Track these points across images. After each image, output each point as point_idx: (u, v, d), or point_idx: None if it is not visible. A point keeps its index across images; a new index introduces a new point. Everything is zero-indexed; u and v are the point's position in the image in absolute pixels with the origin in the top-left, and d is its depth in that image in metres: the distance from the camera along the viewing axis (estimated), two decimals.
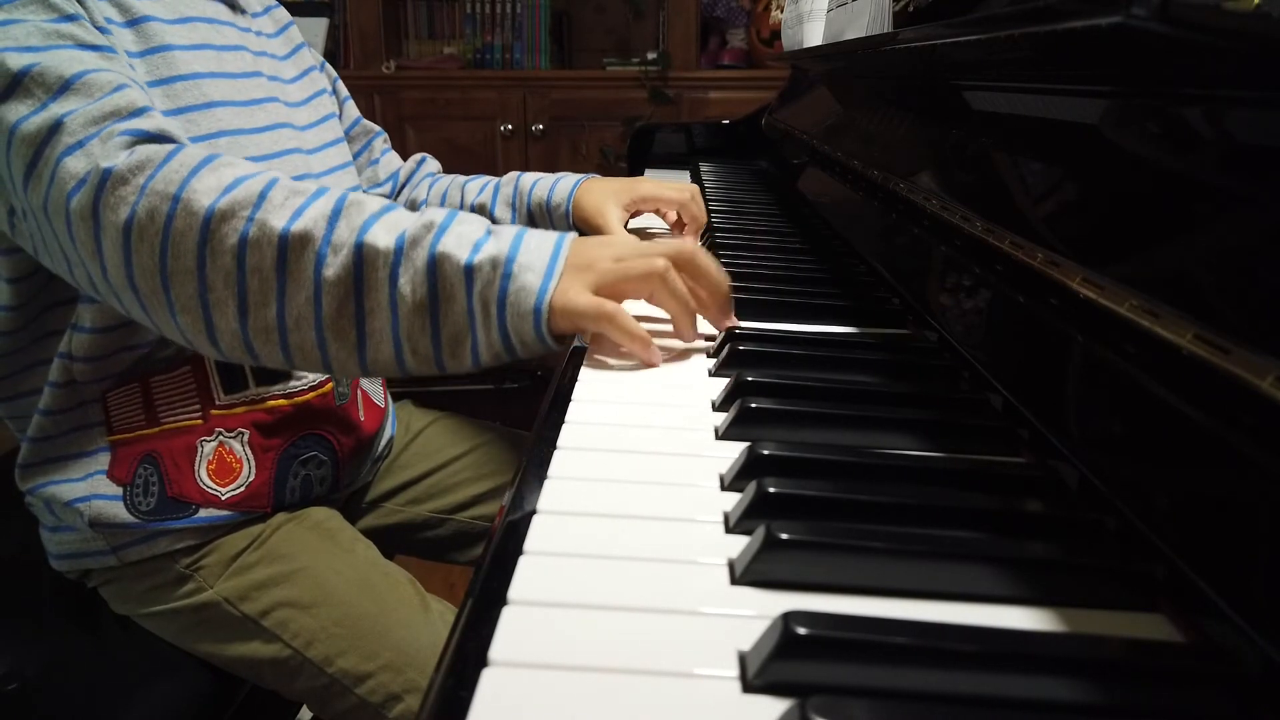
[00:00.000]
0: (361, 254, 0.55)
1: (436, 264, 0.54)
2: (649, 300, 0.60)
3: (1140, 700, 0.30)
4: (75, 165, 0.56)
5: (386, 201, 0.59)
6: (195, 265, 0.55)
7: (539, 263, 0.55)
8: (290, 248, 0.55)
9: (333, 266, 0.55)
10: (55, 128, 0.57)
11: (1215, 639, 0.32)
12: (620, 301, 0.57)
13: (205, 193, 0.55)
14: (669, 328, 0.62)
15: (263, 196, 0.56)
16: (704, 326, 0.65)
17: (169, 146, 0.58)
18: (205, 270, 0.55)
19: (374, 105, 2.51)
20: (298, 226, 0.55)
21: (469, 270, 0.54)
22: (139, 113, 0.59)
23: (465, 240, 0.55)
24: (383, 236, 0.55)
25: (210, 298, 0.56)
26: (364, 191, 0.94)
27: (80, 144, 0.57)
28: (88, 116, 0.57)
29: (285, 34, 0.90)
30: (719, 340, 0.63)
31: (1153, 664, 0.31)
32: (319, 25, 2.59)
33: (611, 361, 0.60)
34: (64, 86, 0.58)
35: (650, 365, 0.59)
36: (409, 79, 2.59)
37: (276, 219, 0.55)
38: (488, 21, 2.71)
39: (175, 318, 0.57)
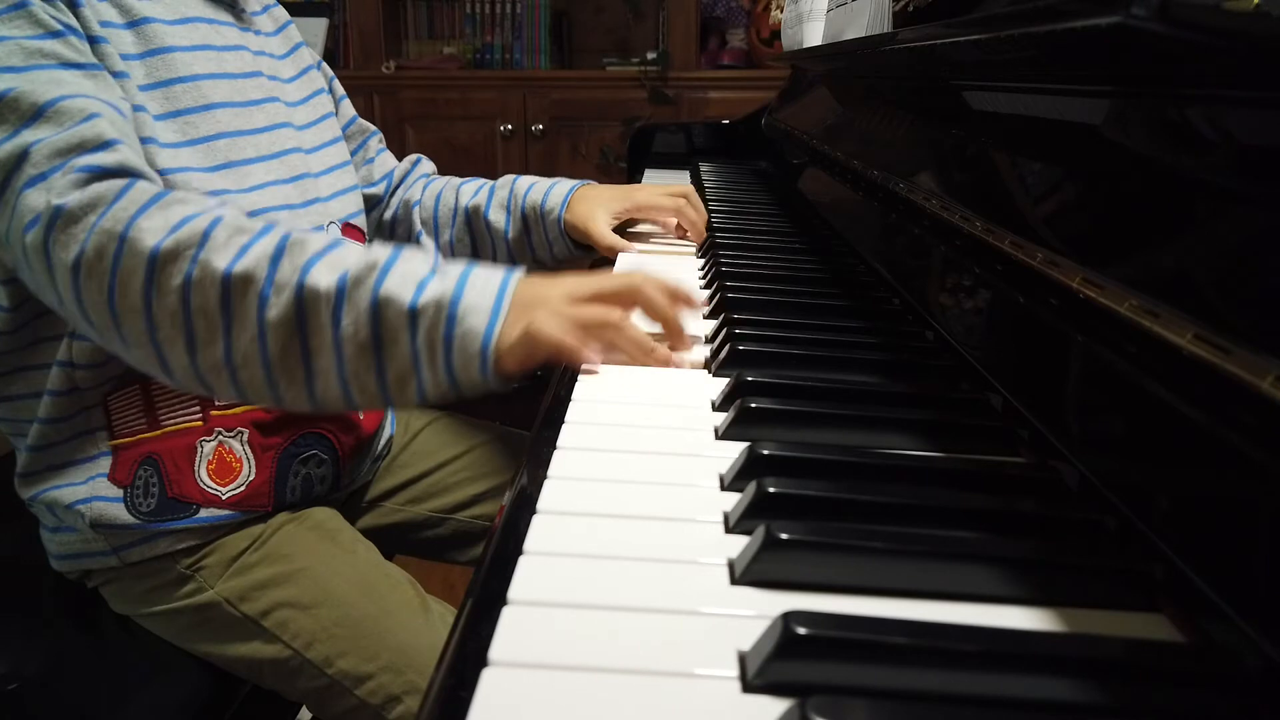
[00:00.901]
0: (303, 295, 0.55)
1: (379, 307, 0.54)
2: (605, 349, 0.58)
3: (1140, 700, 0.30)
4: (34, 200, 0.57)
5: (332, 237, 0.59)
6: (142, 305, 0.56)
7: (484, 303, 0.54)
8: (234, 289, 0.55)
9: (275, 308, 0.55)
10: (22, 157, 0.57)
11: (1215, 639, 0.32)
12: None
13: (151, 232, 0.55)
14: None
15: (206, 236, 0.56)
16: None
17: (122, 182, 0.58)
18: (152, 309, 0.56)
19: (373, 105, 2.51)
20: (239, 268, 0.55)
21: (413, 313, 0.54)
22: (104, 146, 0.59)
23: (410, 279, 0.55)
24: (325, 277, 0.55)
25: (159, 335, 0.56)
26: (359, 190, 0.94)
27: (42, 176, 0.57)
28: (53, 148, 0.57)
29: (284, 33, 0.90)
30: (718, 338, 0.63)
31: (1153, 664, 0.31)
32: (319, 25, 2.59)
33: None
34: (37, 113, 0.58)
35: (591, 372, 0.57)
36: (409, 79, 2.59)
37: (220, 259, 0.55)
38: (487, 21, 2.71)
39: (129, 350, 0.58)
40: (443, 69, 2.62)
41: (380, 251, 0.57)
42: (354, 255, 0.56)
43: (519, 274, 0.57)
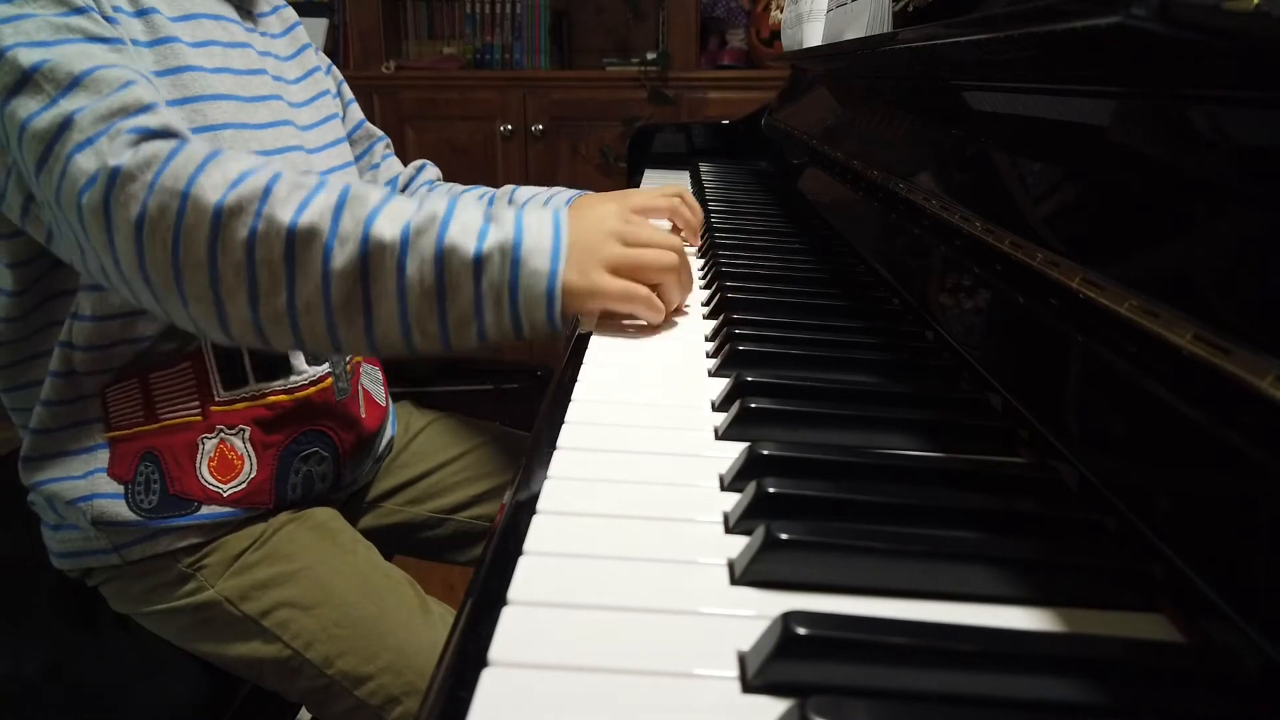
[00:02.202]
0: (368, 245, 0.57)
1: (444, 255, 0.57)
2: (656, 291, 0.64)
3: (1140, 700, 0.30)
4: (85, 163, 0.57)
5: (386, 191, 0.61)
6: (206, 259, 0.57)
7: (543, 245, 0.58)
8: (298, 241, 0.57)
9: (340, 258, 0.57)
10: (65, 124, 0.58)
11: (1215, 639, 0.32)
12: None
13: (213, 189, 0.57)
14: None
15: (268, 191, 0.57)
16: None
17: (173, 142, 0.59)
18: (216, 263, 0.57)
19: (373, 105, 2.51)
20: (304, 220, 0.57)
21: (477, 261, 0.57)
22: (146, 109, 0.60)
23: (470, 229, 0.58)
24: (388, 228, 0.57)
25: (221, 288, 0.58)
26: None
27: (89, 141, 0.58)
28: (96, 114, 0.58)
29: (291, 34, 0.90)
30: (718, 338, 0.63)
31: (1153, 664, 0.31)
32: (319, 25, 2.59)
33: (612, 356, 0.60)
34: (73, 82, 0.59)
35: (655, 320, 0.65)
36: (409, 79, 2.59)
37: (283, 213, 0.57)
38: (487, 21, 2.71)
39: (187, 307, 0.59)
40: (443, 69, 2.62)
41: (438, 203, 0.59)
42: (412, 207, 0.59)
43: (565, 212, 0.61)
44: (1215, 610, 0.31)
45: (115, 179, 0.56)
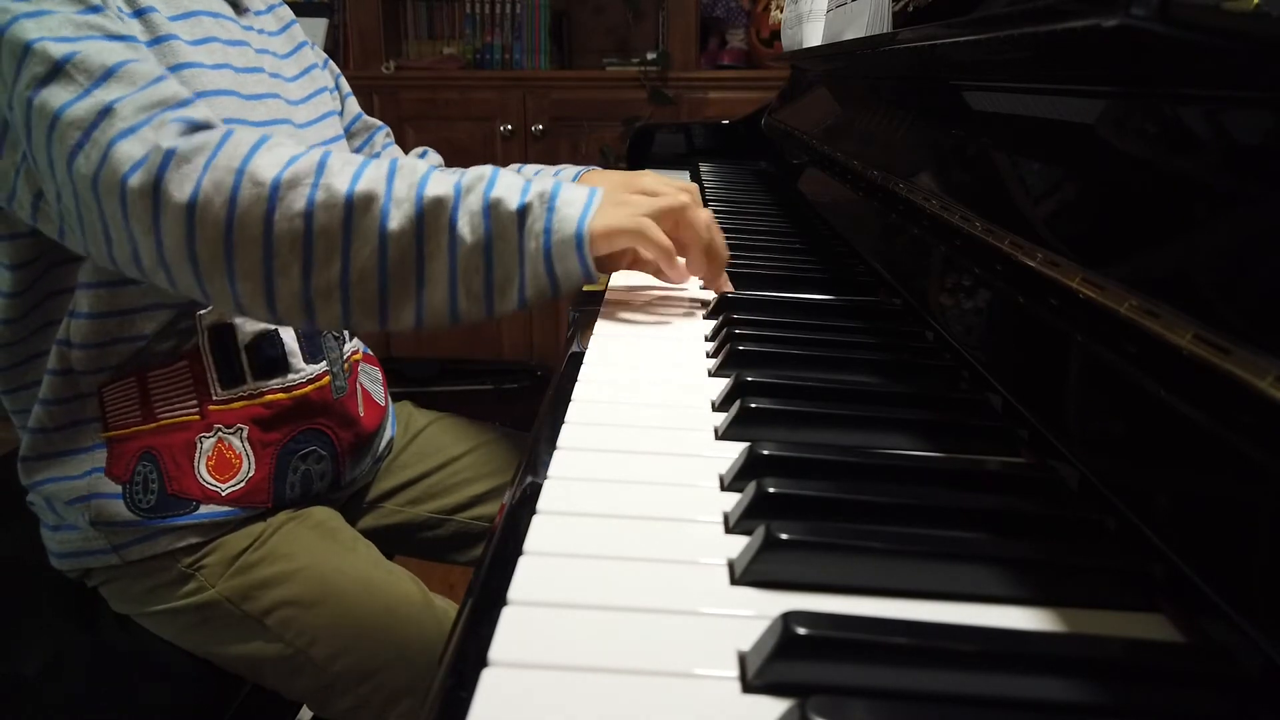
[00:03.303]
0: (423, 204, 0.60)
1: (491, 207, 0.60)
2: (672, 234, 0.67)
3: (1140, 700, 0.30)
4: (131, 149, 0.59)
5: (428, 162, 0.64)
6: (262, 232, 0.59)
7: (578, 199, 0.62)
8: (356, 206, 0.59)
9: (396, 219, 0.59)
10: (105, 112, 0.59)
11: (1215, 639, 0.32)
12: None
13: (268, 166, 0.59)
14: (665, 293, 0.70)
15: (322, 165, 0.60)
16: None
17: (223, 130, 0.61)
18: (272, 236, 0.59)
19: (373, 105, 2.51)
20: (361, 187, 0.59)
21: (521, 210, 0.60)
22: (186, 103, 0.62)
23: (513, 188, 0.62)
24: (440, 188, 0.61)
25: (275, 263, 0.59)
26: None
27: (133, 129, 0.59)
28: (137, 104, 0.60)
29: (288, 32, 0.90)
30: (718, 339, 0.63)
31: (1153, 664, 0.31)
32: (318, 25, 2.59)
33: (612, 356, 0.60)
34: (107, 74, 0.60)
35: (680, 281, 0.70)
36: (408, 79, 2.59)
37: (340, 183, 0.59)
38: (487, 22, 2.71)
39: (234, 285, 0.60)
40: (443, 69, 2.62)
41: (483, 169, 0.64)
42: (457, 172, 0.63)
43: (602, 190, 0.65)
44: (1215, 610, 0.31)
45: (169, 160, 0.58)
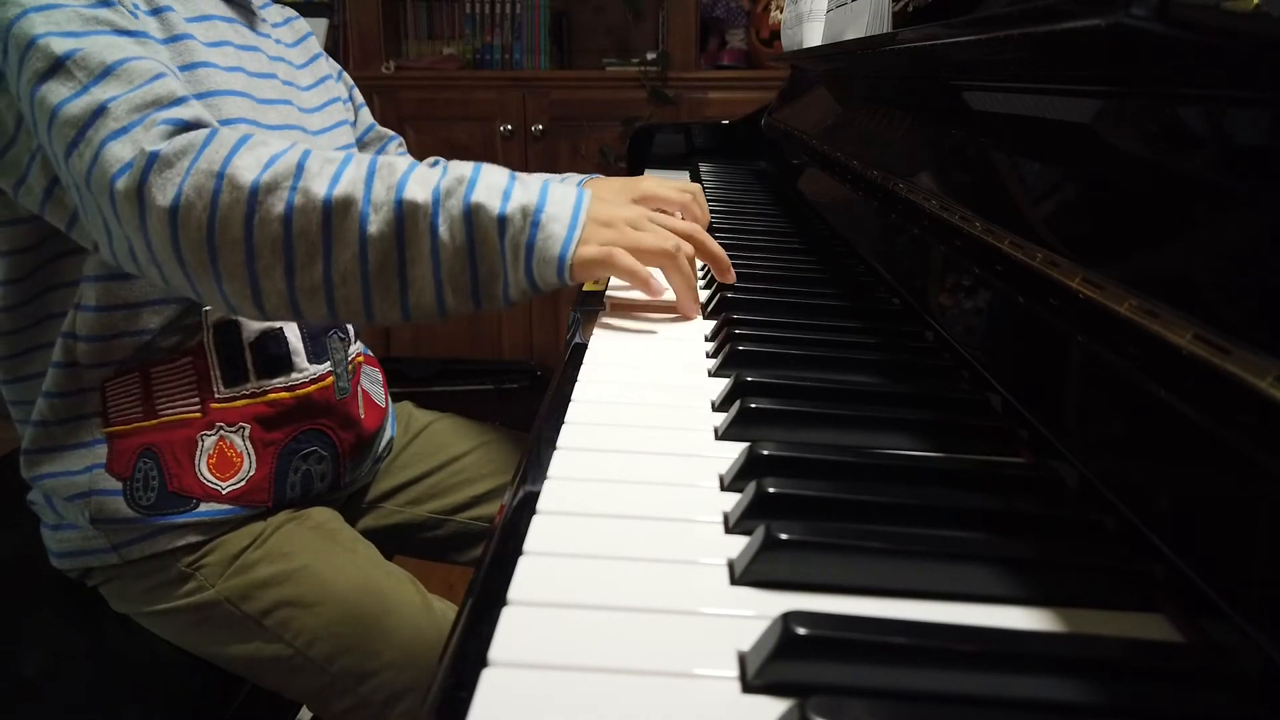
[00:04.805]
0: (402, 209, 0.59)
1: (472, 213, 0.60)
2: (665, 276, 0.67)
3: (1140, 700, 0.30)
4: (120, 150, 0.59)
5: (410, 160, 0.63)
6: (243, 235, 0.59)
7: (564, 214, 0.61)
8: (335, 210, 0.59)
9: (375, 223, 0.59)
10: (99, 111, 0.60)
11: (1215, 639, 0.32)
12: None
13: (247, 169, 0.59)
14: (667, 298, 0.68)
15: (301, 167, 0.60)
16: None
17: (206, 130, 0.61)
18: (253, 239, 0.59)
19: (373, 105, 2.50)
20: (339, 191, 0.59)
21: (502, 220, 0.60)
22: (178, 102, 0.62)
23: (495, 190, 0.61)
24: (419, 191, 0.60)
25: (258, 265, 0.59)
26: None
27: (125, 130, 0.60)
28: (130, 104, 0.60)
29: (304, 44, 0.92)
30: (718, 339, 0.63)
31: (1153, 664, 0.31)
32: (319, 25, 2.59)
33: (612, 357, 0.60)
34: (105, 71, 0.61)
35: (655, 295, 0.67)
36: (408, 79, 2.59)
37: (318, 186, 0.59)
38: (487, 22, 2.71)
39: (221, 284, 0.61)
40: (442, 69, 2.62)
41: (464, 167, 0.62)
42: (438, 172, 0.62)
43: (589, 193, 0.64)
44: (1215, 610, 0.31)
45: (152, 164, 0.58)
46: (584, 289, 0.73)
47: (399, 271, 0.60)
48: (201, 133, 0.61)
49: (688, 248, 0.67)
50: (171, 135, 0.60)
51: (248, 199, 0.58)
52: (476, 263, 0.60)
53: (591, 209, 0.63)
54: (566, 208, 0.61)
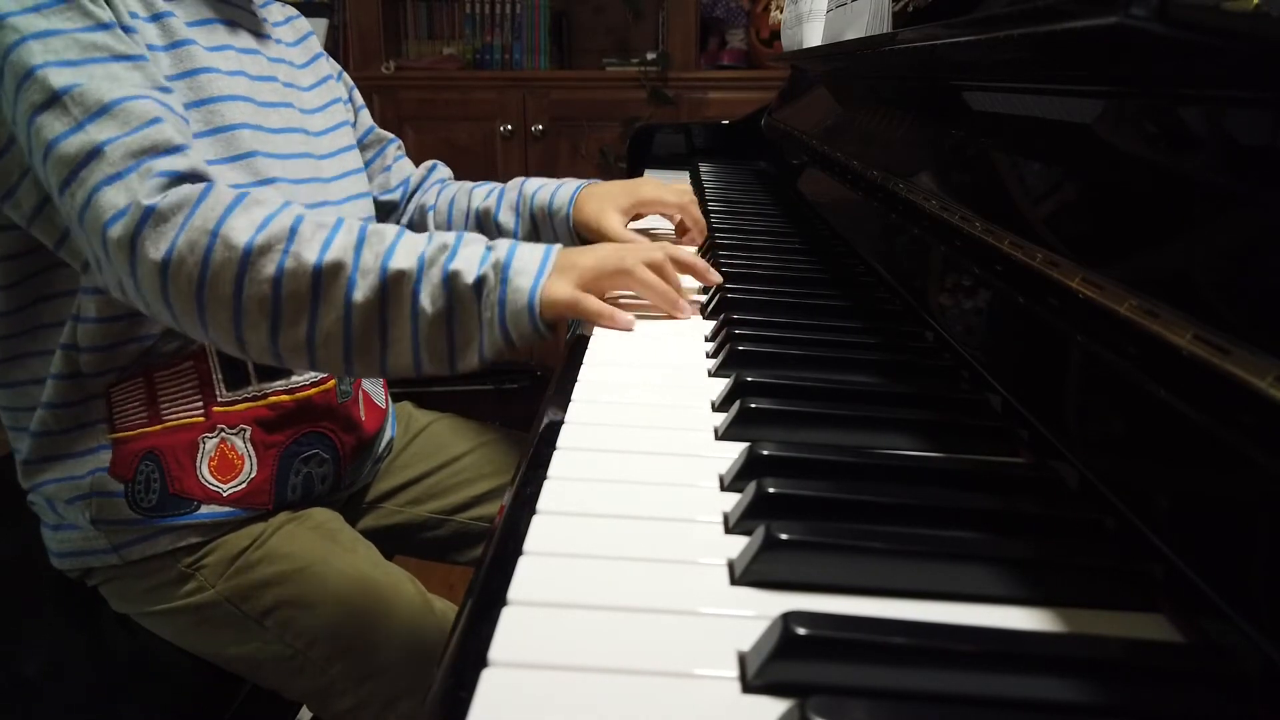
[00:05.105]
0: (386, 277, 0.61)
1: (450, 280, 0.62)
2: (633, 291, 0.70)
3: (1140, 700, 0.30)
4: (115, 197, 0.60)
5: (398, 228, 0.65)
6: (232, 294, 0.60)
7: (530, 267, 0.63)
8: (324, 276, 0.61)
9: (361, 289, 0.61)
10: (94, 153, 0.60)
11: (1215, 639, 0.32)
12: (603, 295, 0.67)
13: (241, 230, 0.60)
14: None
15: (293, 231, 0.62)
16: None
17: (201, 186, 0.62)
18: (242, 299, 0.61)
19: (373, 105, 2.50)
20: (329, 257, 0.61)
21: (477, 283, 0.62)
22: (175, 150, 0.62)
23: (473, 258, 0.63)
24: (404, 260, 0.62)
25: (244, 321, 0.61)
26: (375, 197, 0.96)
27: (119, 175, 0.60)
28: (126, 149, 0.61)
29: (304, 44, 0.92)
30: (718, 339, 0.63)
31: (1153, 664, 0.31)
32: (319, 25, 2.59)
33: (612, 357, 0.60)
34: (102, 110, 0.61)
35: (626, 329, 0.66)
36: (408, 79, 2.59)
37: (309, 252, 0.61)
38: (487, 22, 2.70)
39: (207, 331, 0.63)
40: (442, 69, 2.62)
41: (447, 237, 0.65)
42: (423, 241, 0.64)
43: (558, 247, 0.67)
44: (1215, 610, 0.31)
45: (147, 219, 0.59)
46: None
47: (380, 334, 0.62)
48: (197, 188, 0.61)
49: (647, 256, 0.68)
50: (167, 188, 0.60)
51: (240, 259, 0.60)
52: (453, 326, 0.63)
53: (557, 260, 0.65)
54: (533, 262, 0.64)
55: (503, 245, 0.65)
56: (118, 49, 0.64)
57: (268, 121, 0.77)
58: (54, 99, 0.60)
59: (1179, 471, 0.34)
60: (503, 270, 0.62)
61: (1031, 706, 0.29)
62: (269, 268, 0.60)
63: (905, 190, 0.71)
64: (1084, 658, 0.30)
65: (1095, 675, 0.30)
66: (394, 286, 0.61)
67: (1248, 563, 0.30)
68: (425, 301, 0.62)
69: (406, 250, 0.63)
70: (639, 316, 0.68)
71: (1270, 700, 0.29)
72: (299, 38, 0.91)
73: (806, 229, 1.04)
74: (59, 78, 0.60)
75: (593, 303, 0.65)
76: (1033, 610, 0.34)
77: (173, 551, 0.74)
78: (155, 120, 0.62)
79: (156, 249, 0.59)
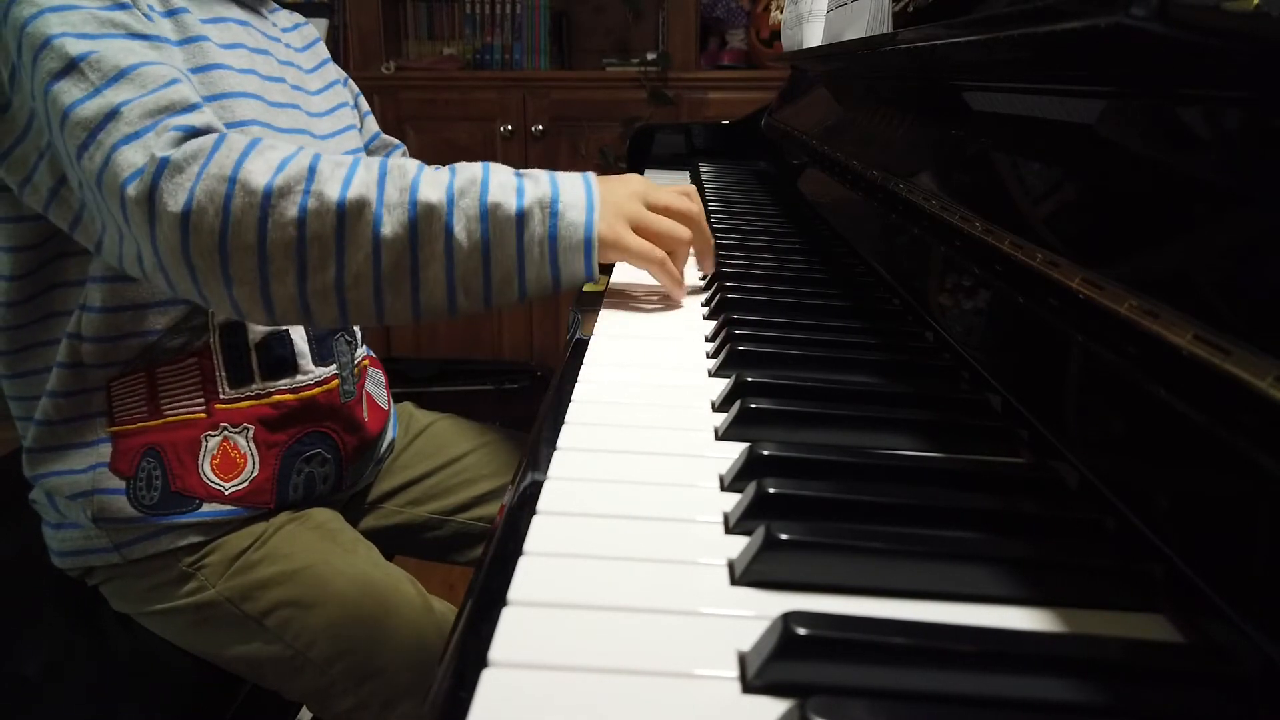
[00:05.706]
0: (416, 211, 0.60)
1: (489, 212, 0.61)
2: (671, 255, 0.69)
3: (1140, 700, 0.30)
4: (132, 156, 0.59)
5: (418, 163, 0.64)
6: (256, 240, 0.59)
7: (579, 200, 0.62)
8: (348, 213, 0.59)
9: (389, 225, 0.60)
10: (111, 115, 0.60)
11: (1215, 639, 0.32)
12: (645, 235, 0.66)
13: (259, 173, 0.59)
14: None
15: (313, 170, 0.60)
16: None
17: (216, 136, 0.61)
18: (266, 244, 0.59)
19: (374, 106, 2.50)
20: (352, 193, 0.59)
21: (520, 216, 0.61)
22: (191, 108, 0.62)
23: (508, 188, 0.62)
24: (432, 193, 0.60)
25: (270, 269, 0.59)
26: None
27: (137, 135, 0.59)
28: (144, 108, 0.60)
29: (312, 49, 0.93)
30: (718, 339, 0.63)
31: (1153, 664, 0.31)
32: (319, 26, 2.59)
33: (612, 357, 0.60)
34: (119, 75, 0.61)
35: (677, 304, 0.69)
36: (408, 79, 2.59)
37: (331, 189, 0.59)
38: (487, 22, 2.71)
39: (231, 289, 0.60)
40: (442, 69, 2.62)
41: (473, 167, 0.63)
42: (446, 173, 0.63)
43: (593, 175, 0.66)
44: (1215, 610, 0.31)
45: (163, 170, 0.58)
46: (584, 289, 0.73)
47: (412, 272, 0.61)
48: (211, 138, 0.60)
49: (684, 232, 0.69)
50: (182, 141, 0.60)
51: (260, 203, 0.58)
52: (490, 265, 0.61)
53: (601, 191, 0.64)
54: (579, 194, 0.63)
55: (541, 177, 0.64)
56: (135, 28, 0.64)
57: (276, 121, 0.77)
58: (71, 66, 0.60)
59: (1179, 472, 0.34)
60: (551, 203, 0.61)
61: (1032, 707, 0.29)
62: (291, 209, 0.59)
63: (905, 190, 0.71)
64: (1084, 658, 0.30)
65: (1095, 675, 0.30)
66: (424, 219, 0.60)
67: (1248, 563, 0.30)
68: (460, 235, 0.60)
69: (432, 183, 0.61)
70: (636, 311, 0.68)
71: (1270, 700, 0.29)
72: (307, 44, 0.92)
73: (806, 229, 1.04)
74: (75, 46, 0.61)
75: (670, 265, 0.65)
76: (1033, 610, 0.34)
77: (174, 550, 0.74)
78: (172, 81, 0.62)
79: (175, 200, 0.58)
